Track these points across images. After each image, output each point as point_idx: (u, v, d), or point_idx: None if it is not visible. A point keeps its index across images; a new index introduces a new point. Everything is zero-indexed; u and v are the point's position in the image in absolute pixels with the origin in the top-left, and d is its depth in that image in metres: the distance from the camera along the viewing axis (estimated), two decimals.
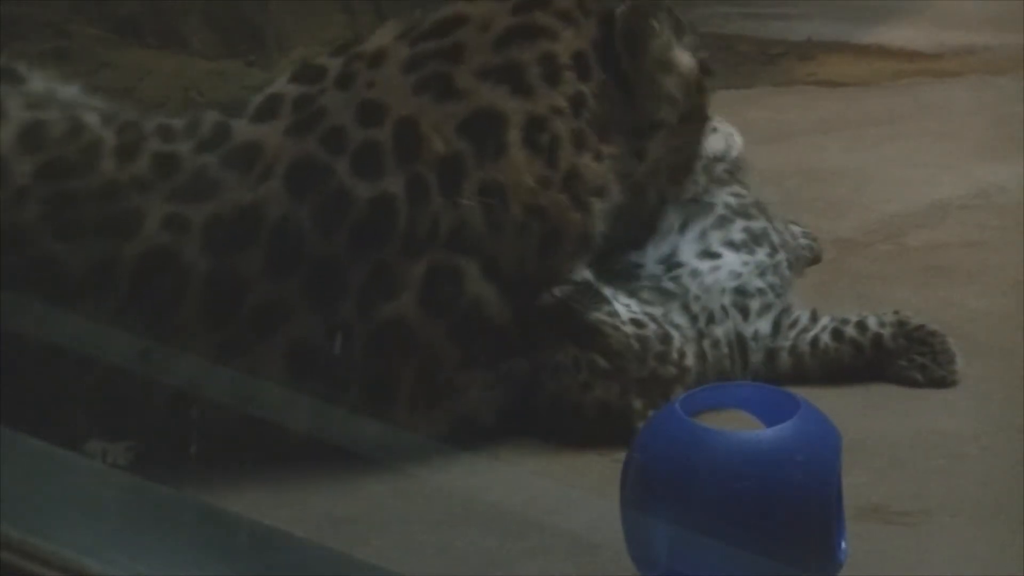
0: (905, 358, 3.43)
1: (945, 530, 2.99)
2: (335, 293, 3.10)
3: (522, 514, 3.00)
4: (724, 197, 3.61)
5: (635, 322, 3.26)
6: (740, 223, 3.57)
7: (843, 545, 2.75)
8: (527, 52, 3.24)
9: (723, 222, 3.56)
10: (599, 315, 3.22)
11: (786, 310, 3.52)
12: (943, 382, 3.41)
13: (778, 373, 3.42)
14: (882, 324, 3.45)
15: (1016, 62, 4.68)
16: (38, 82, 3.34)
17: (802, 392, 2.85)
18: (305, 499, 3.01)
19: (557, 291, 3.21)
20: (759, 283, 3.52)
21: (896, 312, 3.47)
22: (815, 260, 3.96)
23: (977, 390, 3.38)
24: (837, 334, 3.45)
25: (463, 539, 2.94)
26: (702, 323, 3.38)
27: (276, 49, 4.20)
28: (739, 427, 2.78)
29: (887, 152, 4.20)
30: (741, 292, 3.46)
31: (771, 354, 3.45)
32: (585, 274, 3.27)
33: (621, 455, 2.76)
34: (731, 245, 3.53)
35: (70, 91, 3.37)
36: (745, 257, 3.53)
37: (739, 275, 3.49)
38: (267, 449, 3.10)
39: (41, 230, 3.10)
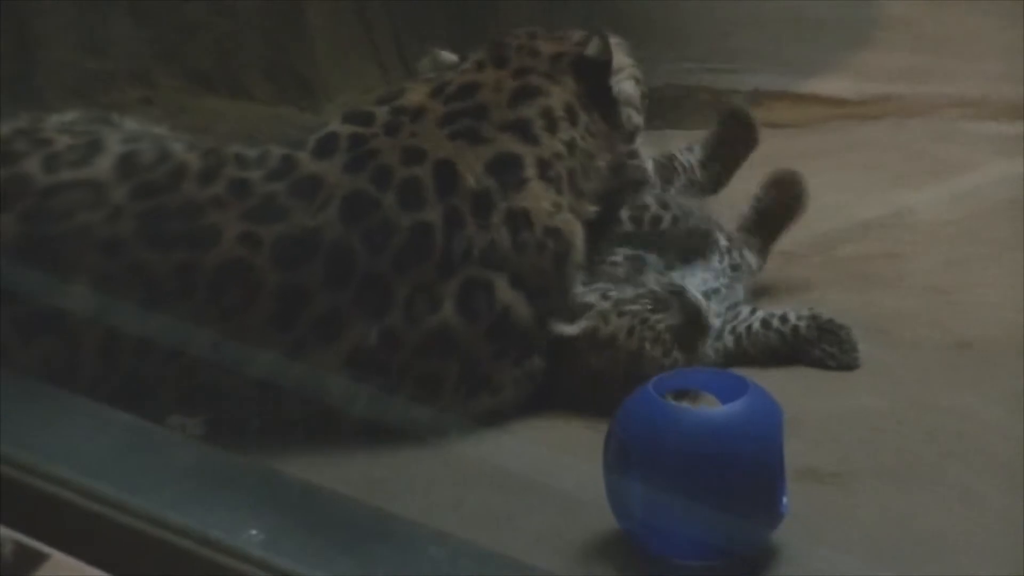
0: (817, 347, 3.44)
1: (867, 489, 2.99)
2: (384, 305, 3.10)
3: (523, 476, 3.00)
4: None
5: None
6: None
7: (784, 501, 2.74)
8: (531, 109, 3.33)
9: None
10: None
11: (732, 305, 3.53)
12: (848, 366, 3.42)
13: (723, 354, 3.43)
14: (799, 317, 3.46)
15: (925, 107, 4.66)
16: (131, 124, 3.34)
17: (750, 375, 2.84)
18: (348, 464, 3.00)
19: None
20: (715, 284, 3.53)
21: (811, 308, 3.48)
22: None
23: (893, 375, 3.37)
24: (766, 323, 3.47)
25: (474, 497, 2.95)
26: None
27: (323, 96, 4.18)
28: (700, 405, 2.78)
29: (820, 181, 4.17)
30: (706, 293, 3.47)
31: (717, 335, 3.45)
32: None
33: (604, 427, 2.76)
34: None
35: (159, 130, 3.36)
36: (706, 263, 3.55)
37: (705, 279, 3.51)
38: (315, 425, 3.09)
39: (134, 242, 3.08)
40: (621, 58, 3.50)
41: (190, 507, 2.30)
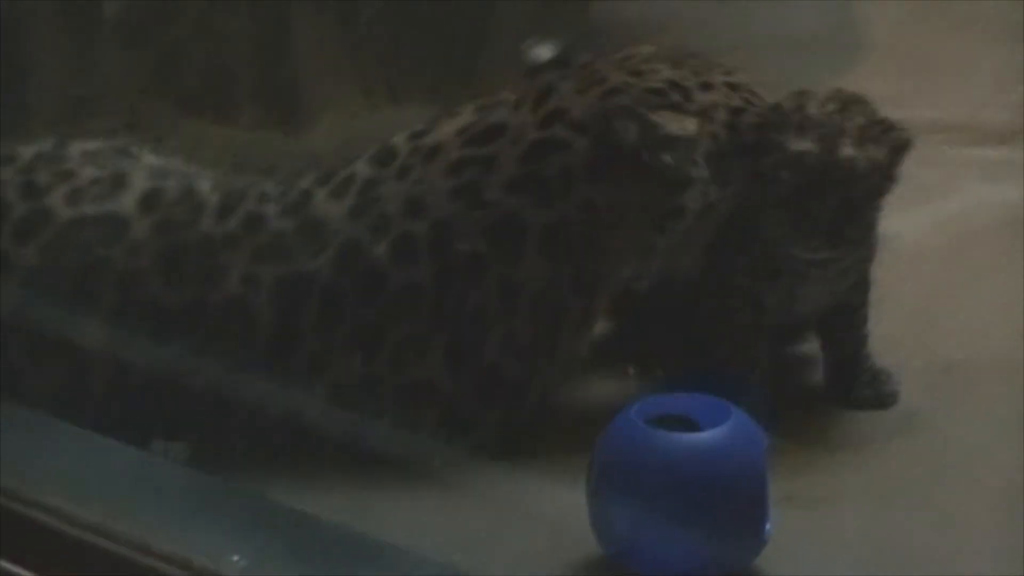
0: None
1: (851, 513, 2.99)
2: (371, 352, 3.09)
3: (506, 500, 3.00)
4: None
5: None
6: None
7: (768, 526, 2.75)
8: (547, 167, 3.09)
9: None
10: None
11: None
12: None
13: None
14: None
15: (910, 132, 4.68)
16: (151, 157, 3.31)
17: None
18: (331, 489, 3.00)
19: None
20: None
21: None
22: None
23: None
24: None
25: (457, 521, 2.95)
26: None
27: (308, 121, 4.20)
28: (683, 430, 2.79)
29: None
30: None
31: None
32: None
33: (587, 451, 2.77)
34: None
35: (177, 163, 3.33)
36: None
37: None
38: (299, 450, 3.10)
39: (150, 277, 3.09)
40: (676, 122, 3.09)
41: (174, 532, 2.31)
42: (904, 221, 4.08)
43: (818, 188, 3.08)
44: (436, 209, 3.11)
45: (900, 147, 3.19)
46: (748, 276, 3.20)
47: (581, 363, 3.34)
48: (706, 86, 3.18)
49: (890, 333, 3.54)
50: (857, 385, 3.32)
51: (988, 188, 4.38)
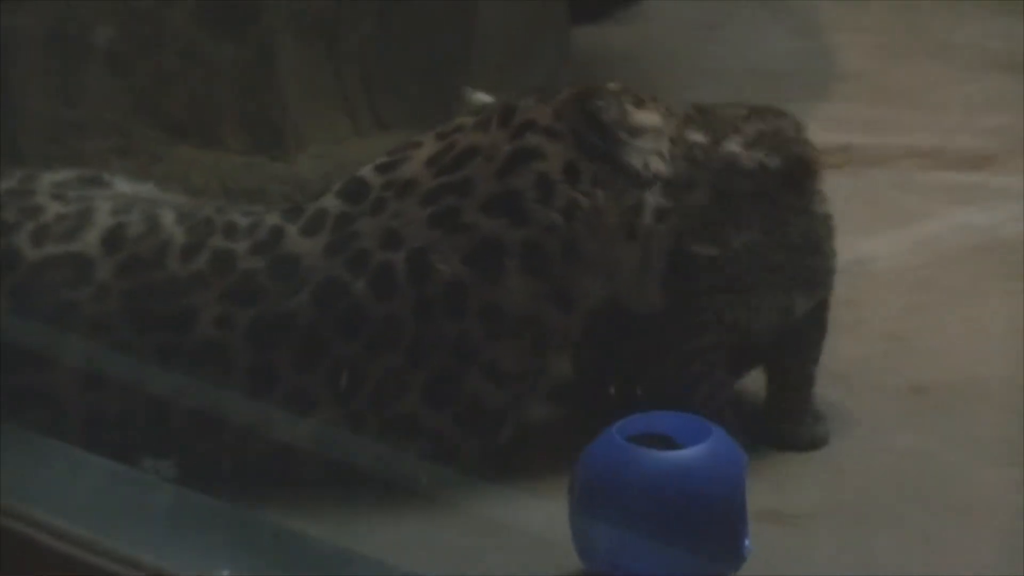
0: None
1: (828, 531, 3.01)
2: (351, 389, 3.07)
3: (490, 516, 3.02)
4: None
5: None
6: None
7: (747, 542, 2.77)
8: (523, 178, 3.10)
9: None
10: None
11: None
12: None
13: None
14: None
15: (883, 158, 4.71)
16: (121, 185, 3.29)
17: None
18: (317, 505, 3.01)
19: None
20: None
21: None
22: None
23: (852, 419, 3.38)
24: None
25: (441, 537, 2.96)
26: None
27: (295, 146, 4.20)
28: (664, 447, 2.81)
29: None
30: None
31: None
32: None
33: (569, 468, 2.80)
34: None
35: (147, 189, 3.32)
36: None
37: None
38: (285, 468, 3.11)
39: (118, 321, 3.07)
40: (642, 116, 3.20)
41: (162, 548, 2.31)
42: (878, 244, 4.13)
43: (702, 178, 3.17)
44: (414, 239, 3.09)
45: (801, 164, 3.21)
46: (708, 293, 3.23)
47: (563, 385, 3.36)
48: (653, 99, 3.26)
49: (864, 354, 3.57)
50: (793, 423, 3.31)
51: (960, 212, 4.41)
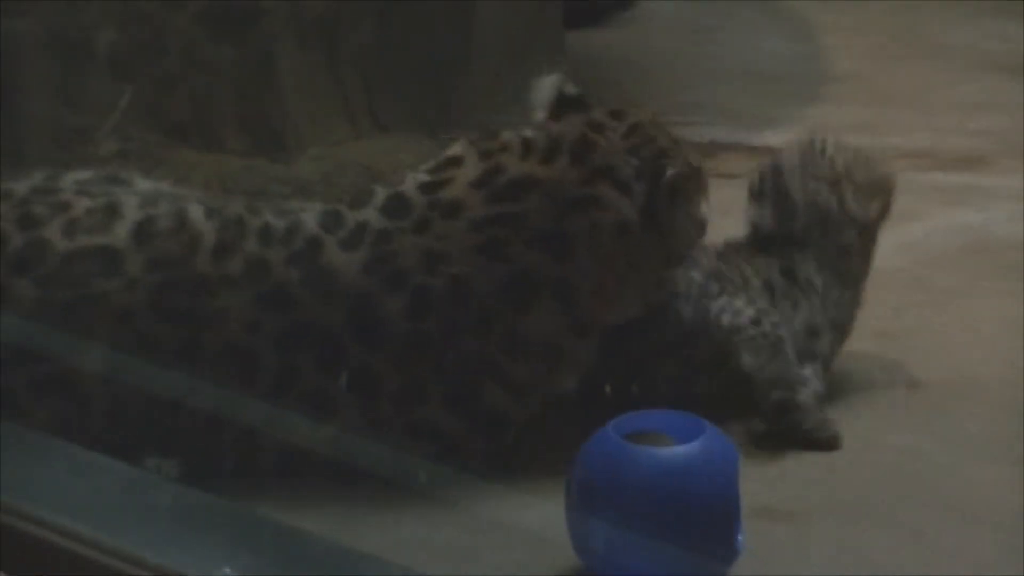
0: None
1: (821, 527, 3.02)
2: (374, 394, 3.09)
3: (488, 515, 3.03)
4: None
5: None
6: None
7: (740, 538, 2.78)
8: (579, 225, 3.11)
9: None
10: None
11: None
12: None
13: None
14: None
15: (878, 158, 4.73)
16: (143, 183, 3.28)
17: (707, 415, 2.89)
18: (319, 504, 3.02)
19: None
20: None
21: None
22: None
23: (846, 416, 3.39)
24: None
25: (441, 535, 2.97)
26: None
27: (295, 148, 4.19)
28: (659, 445, 2.82)
29: None
30: None
31: None
32: None
33: (566, 467, 2.81)
34: None
35: (167, 187, 3.30)
36: None
37: None
38: (289, 467, 3.12)
39: (146, 314, 3.07)
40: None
41: (165, 547, 2.31)
42: None
43: None
44: (457, 264, 3.09)
45: (655, 170, 3.20)
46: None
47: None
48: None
49: (856, 353, 3.57)
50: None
51: (953, 213, 4.43)
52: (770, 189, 3.47)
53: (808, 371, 3.35)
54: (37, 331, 3.10)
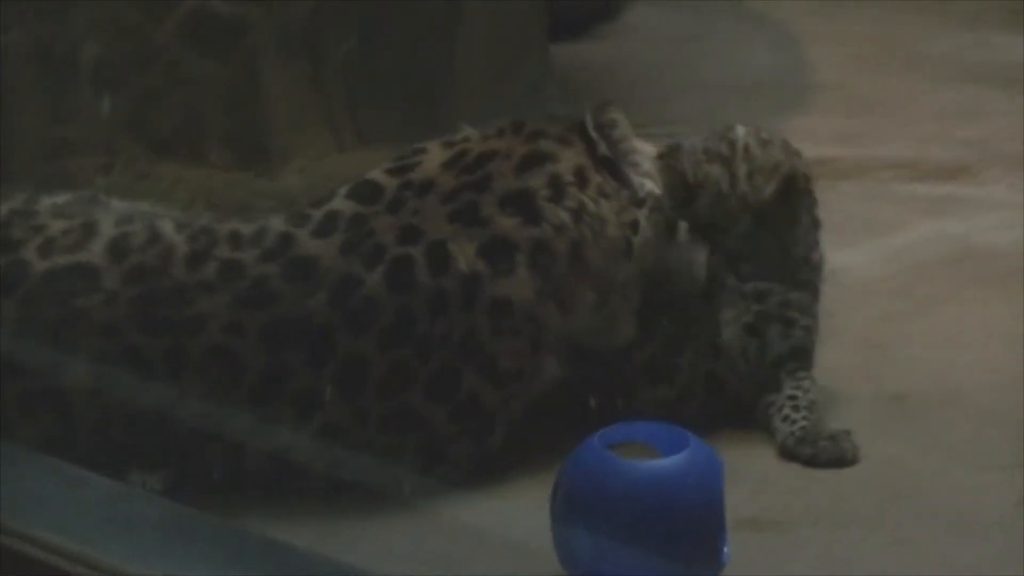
0: None
1: (806, 537, 3.02)
2: (360, 384, 3.10)
3: (475, 525, 3.03)
4: None
5: None
6: None
7: (726, 550, 2.78)
8: (538, 177, 3.23)
9: None
10: None
11: None
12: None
13: None
14: None
15: (858, 169, 4.72)
16: (119, 204, 3.32)
17: (693, 426, 2.89)
18: (305, 516, 3.02)
19: None
20: None
21: None
22: None
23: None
24: None
25: (427, 546, 2.98)
26: None
27: (279, 162, 4.19)
28: (644, 456, 2.81)
29: None
30: None
31: None
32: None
33: (552, 478, 2.81)
34: None
35: (145, 207, 3.35)
36: None
37: None
38: (276, 480, 3.11)
39: (126, 326, 3.10)
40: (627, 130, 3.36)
41: (152, 561, 2.31)
42: (854, 255, 4.13)
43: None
44: (433, 232, 3.16)
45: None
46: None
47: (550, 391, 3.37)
48: None
49: (841, 363, 3.57)
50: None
51: (934, 223, 4.43)
52: (666, 168, 3.44)
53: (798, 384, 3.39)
54: (21, 349, 3.11)
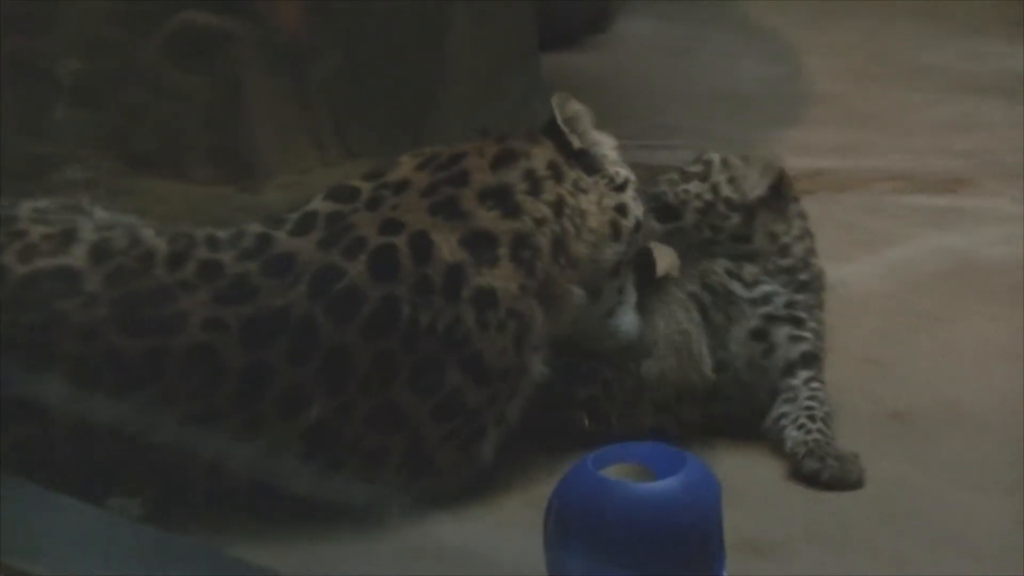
0: None
1: (804, 557, 2.99)
2: (344, 378, 3.07)
3: (463, 550, 2.99)
4: None
5: None
6: None
7: (724, 573, 2.74)
8: (513, 172, 3.27)
9: None
10: None
11: None
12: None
13: None
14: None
15: (856, 181, 4.73)
16: (101, 213, 3.32)
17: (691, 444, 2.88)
18: (288, 540, 2.98)
19: None
20: None
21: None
22: None
23: None
24: None
25: (414, 571, 2.94)
26: None
27: (262, 176, 4.20)
28: (639, 478, 2.78)
29: None
30: None
31: None
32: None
33: (544, 501, 2.76)
34: None
35: (128, 218, 3.34)
36: None
37: None
38: (258, 502, 3.06)
39: (108, 327, 3.07)
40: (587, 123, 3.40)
41: None
42: (852, 269, 4.13)
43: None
44: (415, 224, 3.17)
45: None
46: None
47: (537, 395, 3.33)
48: None
49: (841, 379, 3.56)
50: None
51: (934, 236, 4.43)
52: (644, 195, 3.48)
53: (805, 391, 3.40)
54: (2, 357, 3.07)
